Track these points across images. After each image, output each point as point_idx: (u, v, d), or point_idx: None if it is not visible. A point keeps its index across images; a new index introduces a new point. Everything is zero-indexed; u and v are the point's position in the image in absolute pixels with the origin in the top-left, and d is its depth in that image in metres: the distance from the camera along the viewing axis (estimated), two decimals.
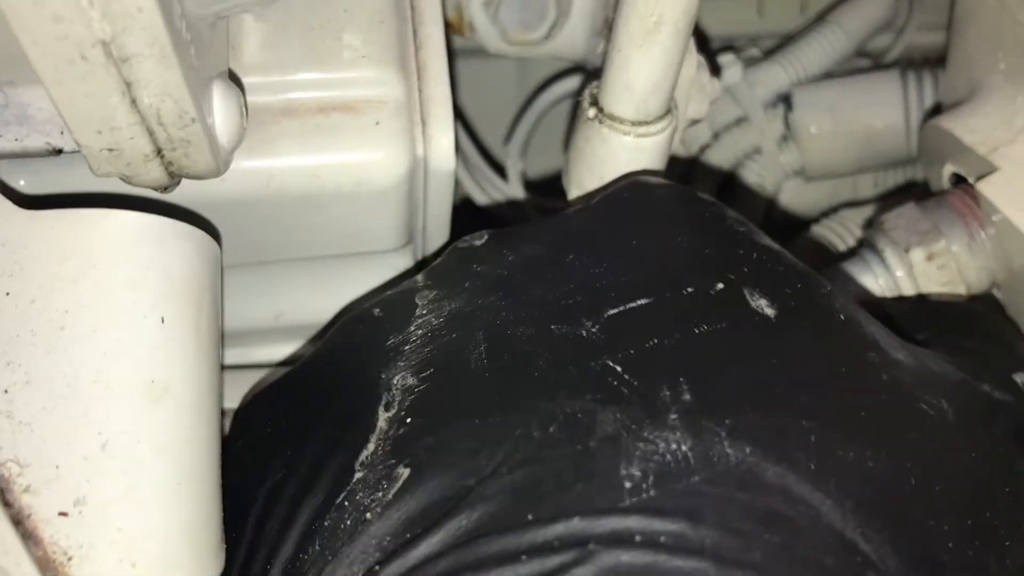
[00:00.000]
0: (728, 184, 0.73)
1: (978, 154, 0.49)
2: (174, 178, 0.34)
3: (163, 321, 0.33)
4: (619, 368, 0.33)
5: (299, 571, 0.33)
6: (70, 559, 0.30)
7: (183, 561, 0.33)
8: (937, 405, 0.35)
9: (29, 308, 0.32)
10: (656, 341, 0.33)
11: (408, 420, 0.34)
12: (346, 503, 0.33)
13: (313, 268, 0.47)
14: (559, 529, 0.29)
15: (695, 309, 0.35)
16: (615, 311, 0.35)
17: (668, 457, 0.30)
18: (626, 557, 0.28)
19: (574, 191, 0.49)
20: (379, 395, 0.35)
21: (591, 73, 0.54)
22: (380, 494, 0.32)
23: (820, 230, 0.66)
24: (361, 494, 0.33)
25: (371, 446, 0.34)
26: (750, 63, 0.71)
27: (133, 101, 0.30)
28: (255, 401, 0.42)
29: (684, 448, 0.30)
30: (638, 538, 0.28)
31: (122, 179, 0.33)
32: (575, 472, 0.30)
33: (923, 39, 0.71)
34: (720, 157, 0.72)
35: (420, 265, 0.51)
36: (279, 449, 0.36)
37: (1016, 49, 0.50)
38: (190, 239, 0.35)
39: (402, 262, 0.49)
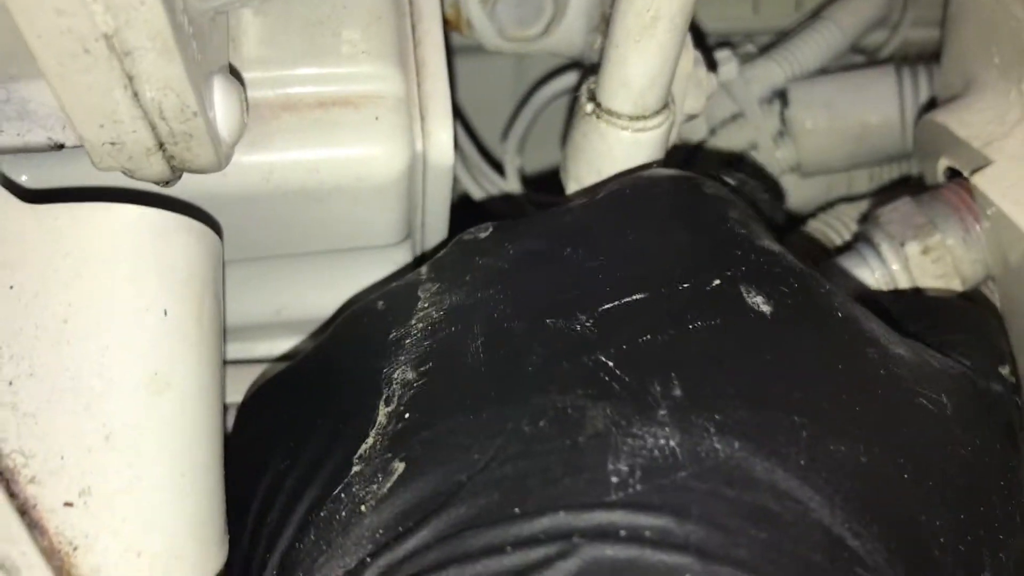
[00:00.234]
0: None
1: (973, 148, 0.49)
2: (176, 172, 0.34)
3: (165, 314, 0.33)
4: (611, 363, 0.33)
5: (295, 561, 0.33)
6: (75, 549, 0.30)
7: (187, 552, 0.33)
8: (936, 400, 0.35)
9: (33, 302, 0.32)
10: (649, 336, 0.33)
11: (406, 415, 0.34)
12: (342, 495, 0.33)
13: (313, 263, 0.48)
14: (544, 522, 0.29)
15: (690, 305, 0.34)
16: (609, 306, 0.35)
17: (656, 452, 0.30)
18: (610, 551, 0.28)
19: (572, 186, 0.49)
20: (380, 390, 0.35)
21: (588, 69, 0.54)
22: (375, 487, 0.32)
23: (816, 225, 0.66)
24: (357, 487, 0.33)
25: (370, 440, 0.34)
26: (746, 59, 0.71)
27: (135, 95, 0.30)
28: (258, 395, 0.42)
29: (672, 443, 0.30)
30: (623, 532, 0.28)
31: (124, 173, 0.34)
32: (563, 467, 0.30)
33: (918, 34, 0.72)
34: None
35: (419, 260, 0.51)
36: (281, 443, 0.37)
37: (1010, 44, 0.50)
38: (192, 233, 0.36)
39: (401, 257, 0.50)
